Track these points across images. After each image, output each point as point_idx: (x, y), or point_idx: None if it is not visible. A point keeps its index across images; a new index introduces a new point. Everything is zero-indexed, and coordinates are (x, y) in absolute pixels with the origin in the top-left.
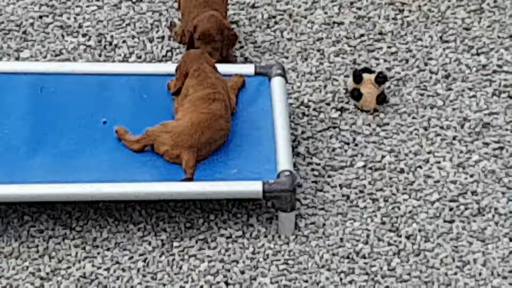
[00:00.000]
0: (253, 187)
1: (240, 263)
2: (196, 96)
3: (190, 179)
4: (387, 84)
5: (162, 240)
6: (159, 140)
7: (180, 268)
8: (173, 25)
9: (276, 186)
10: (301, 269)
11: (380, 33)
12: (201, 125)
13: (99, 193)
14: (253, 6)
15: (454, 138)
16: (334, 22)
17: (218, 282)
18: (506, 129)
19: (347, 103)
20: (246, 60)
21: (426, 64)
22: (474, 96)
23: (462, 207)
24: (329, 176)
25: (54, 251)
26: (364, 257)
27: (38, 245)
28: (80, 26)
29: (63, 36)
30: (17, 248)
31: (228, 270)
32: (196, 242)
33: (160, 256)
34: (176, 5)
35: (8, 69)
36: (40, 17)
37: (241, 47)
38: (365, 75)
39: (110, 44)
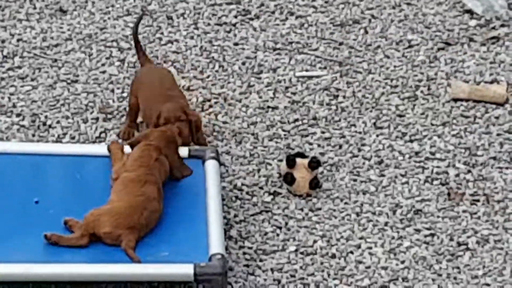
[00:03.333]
0: (184, 270)
1: None
2: (128, 178)
3: (139, 261)
4: (320, 169)
5: None
6: (98, 223)
7: None
8: (105, 107)
9: (208, 269)
10: None
11: (314, 118)
12: (139, 207)
13: (30, 273)
14: (188, 89)
15: (386, 224)
16: (268, 107)
17: None
18: (438, 216)
19: (280, 187)
20: None
21: (359, 150)
22: (407, 182)
23: None
24: (261, 260)
25: None
26: None
27: None
28: (14, 106)
29: None
30: None
31: None
32: None
33: None
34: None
35: None
36: None
37: None
38: (299, 160)
39: (44, 124)
